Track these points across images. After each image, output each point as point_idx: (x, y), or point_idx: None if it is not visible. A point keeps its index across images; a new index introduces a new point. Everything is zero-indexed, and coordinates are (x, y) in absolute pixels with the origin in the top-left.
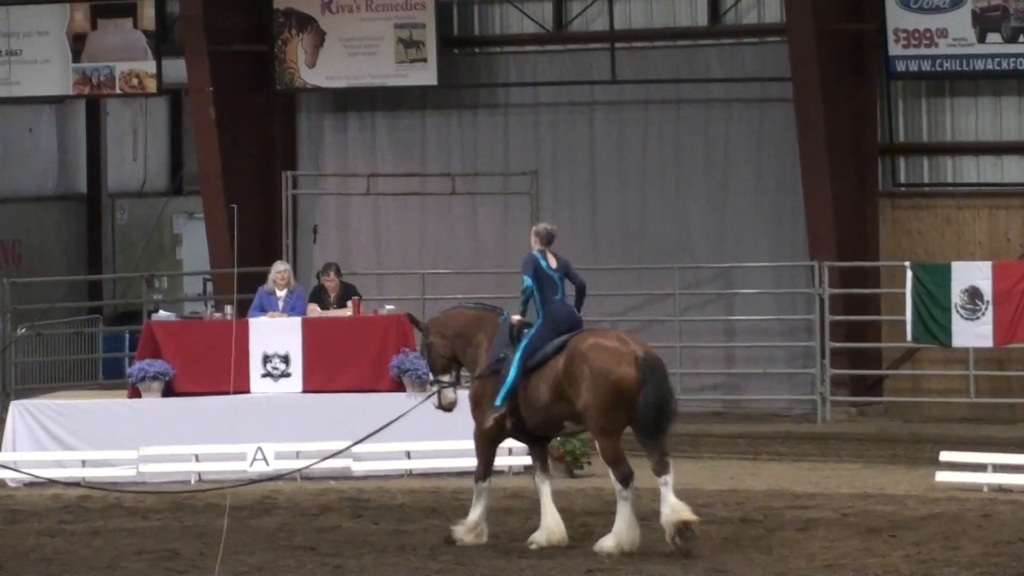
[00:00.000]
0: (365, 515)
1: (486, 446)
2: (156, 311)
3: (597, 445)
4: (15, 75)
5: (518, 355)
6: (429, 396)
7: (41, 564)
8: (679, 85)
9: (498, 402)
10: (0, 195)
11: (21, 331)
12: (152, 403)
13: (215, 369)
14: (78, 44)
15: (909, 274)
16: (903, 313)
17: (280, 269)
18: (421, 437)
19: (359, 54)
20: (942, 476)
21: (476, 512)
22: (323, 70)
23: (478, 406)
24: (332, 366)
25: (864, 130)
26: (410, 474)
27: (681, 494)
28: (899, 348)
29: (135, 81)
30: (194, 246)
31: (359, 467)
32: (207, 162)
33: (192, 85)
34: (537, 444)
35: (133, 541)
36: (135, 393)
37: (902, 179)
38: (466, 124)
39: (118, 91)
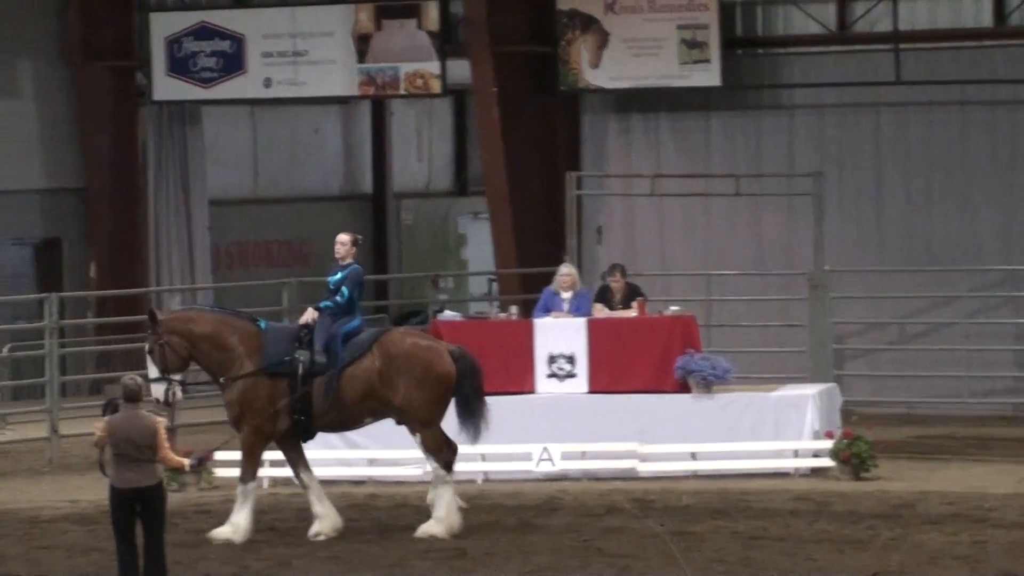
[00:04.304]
0: (651, 516)
1: (260, 447)
2: (441, 311)
3: (418, 437)
4: (301, 76)
5: (342, 350)
6: (169, 400)
7: (330, 563)
8: (964, 86)
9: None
10: (287, 195)
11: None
12: None
13: (500, 369)
14: (363, 45)
15: None
16: None
17: (564, 272)
18: (707, 439)
19: (642, 55)
20: None
21: (243, 513)
22: (606, 71)
23: (250, 407)
24: (617, 367)
25: None
26: (696, 475)
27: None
28: None
29: (419, 82)
30: (478, 246)
31: (645, 468)
32: (491, 163)
33: (476, 86)
34: (292, 445)
35: (420, 539)
36: None
37: None
38: (750, 125)
39: (403, 92)
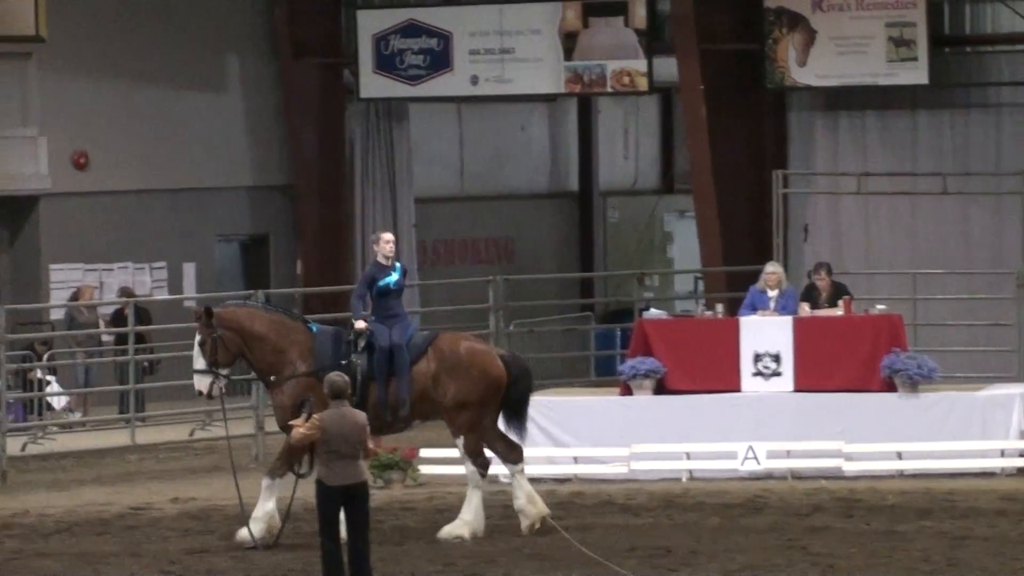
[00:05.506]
0: (856, 515)
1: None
2: (647, 309)
3: (462, 440)
4: (508, 73)
5: (406, 355)
6: (213, 393)
7: (534, 560)
8: None
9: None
10: (494, 193)
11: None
12: (643, 401)
13: (706, 367)
14: (570, 42)
15: None
16: None
17: (770, 270)
18: (912, 438)
19: (849, 52)
20: None
21: (267, 506)
22: (813, 69)
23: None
24: (823, 365)
25: None
26: (901, 475)
27: None
28: None
29: (626, 79)
30: (685, 244)
31: (850, 467)
32: (698, 160)
33: (683, 83)
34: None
35: (624, 537)
36: (626, 391)
37: None
38: (957, 123)
39: (609, 89)
